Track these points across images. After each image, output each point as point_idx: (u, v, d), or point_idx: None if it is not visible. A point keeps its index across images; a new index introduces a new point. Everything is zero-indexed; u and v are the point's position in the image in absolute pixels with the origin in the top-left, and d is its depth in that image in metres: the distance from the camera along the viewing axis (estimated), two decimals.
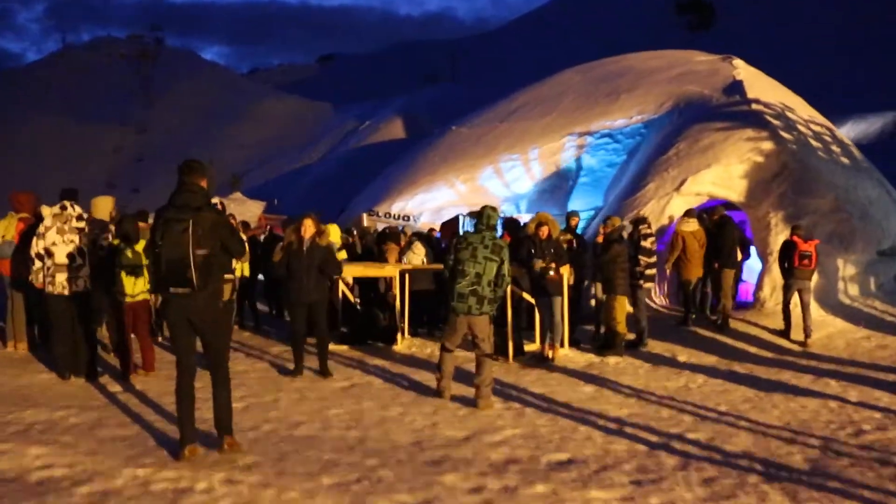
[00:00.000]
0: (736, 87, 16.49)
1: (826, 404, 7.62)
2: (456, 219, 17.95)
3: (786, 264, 11.27)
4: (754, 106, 15.25)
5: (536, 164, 18.79)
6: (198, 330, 5.44)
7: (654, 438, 6.30)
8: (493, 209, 7.64)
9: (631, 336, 10.65)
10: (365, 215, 20.13)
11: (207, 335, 5.47)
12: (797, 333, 11.19)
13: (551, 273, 9.53)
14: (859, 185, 15.19)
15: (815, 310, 12.84)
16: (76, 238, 7.98)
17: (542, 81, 23.35)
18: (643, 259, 10.71)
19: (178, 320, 5.40)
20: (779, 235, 13.36)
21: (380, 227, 18.35)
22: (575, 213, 11.88)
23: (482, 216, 7.55)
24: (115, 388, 7.69)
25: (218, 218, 5.42)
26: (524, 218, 17.53)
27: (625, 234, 10.96)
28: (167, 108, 65.85)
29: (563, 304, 9.93)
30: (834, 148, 16.07)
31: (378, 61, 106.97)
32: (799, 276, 11.12)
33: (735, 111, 15.30)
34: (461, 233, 12.34)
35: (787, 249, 11.27)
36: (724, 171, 14.08)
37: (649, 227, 11.07)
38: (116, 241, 8.21)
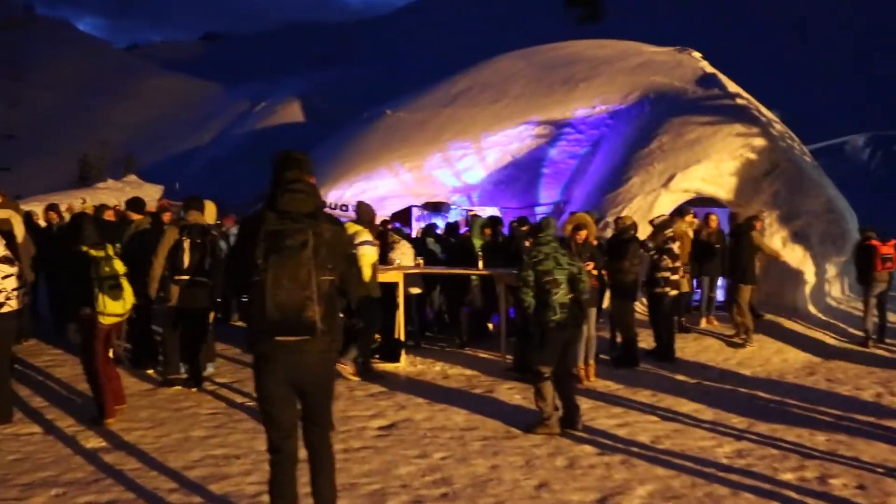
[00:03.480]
0: (711, 79, 15.76)
1: None
2: (408, 210, 16.42)
3: (864, 269, 10.85)
4: (739, 101, 14.50)
5: (490, 153, 17.46)
6: (304, 393, 3.75)
7: (808, 496, 5.15)
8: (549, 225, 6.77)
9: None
10: None
11: (315, 400, 3.78)
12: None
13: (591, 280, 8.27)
14: (828, 185, 14.78)
15: (815, 314, 12.34)
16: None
17: (479, 66, 22.07)
18: (671, 264, 9.61)
19: (282, 383, 3.66)
20: (773, 236, 12.68)
21: None
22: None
23: (547, 226, 6.67)
24: (90, 441, 5.74)
25: (339, 230, 3.79)
26: (487, 212, 16.25)
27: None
28: (40, 82, 60.14)
29: (595, 317, 8.73)
30: (797, 146, 15.61)
31: (266, 41, 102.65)
32: (880, 279, 10.71)
33: (718, 105, 14.49)
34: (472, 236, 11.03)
35: (866, 253, 10.75)
36: (714, 168, 13.22)
37: (673, 229, 9.97)
38: (86, 248, 6.21)
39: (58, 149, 50.74)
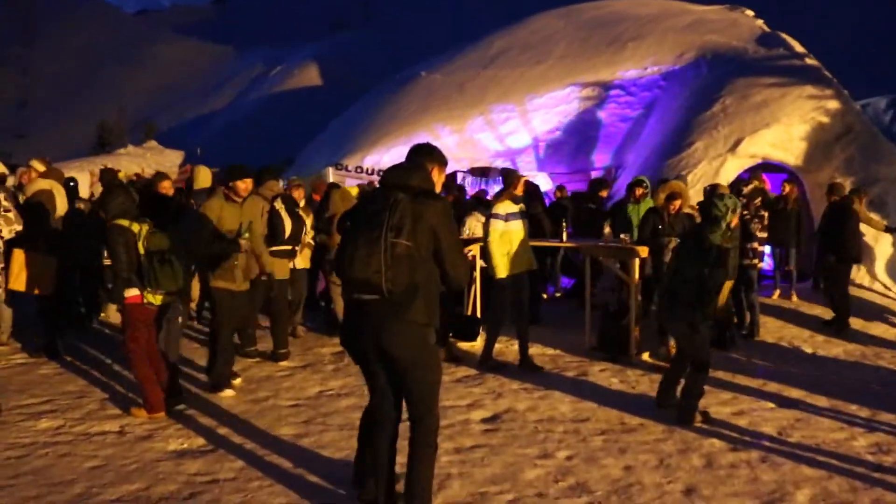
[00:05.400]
0: (774, 38, 14.92)
1: None
2: (453, 176, 15.73)
3: None
4: (808, 60, 13.68)
5: (535, 116, 16.71)
6: (395, 369, 3.75)
7: None
8: (725, 198, 5.93)
9: None
10: (331, 169, 17.53)
11: (404, 378, 3.76)
12: None
13: None
14: None
15: (893, 287, 11.70)
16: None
17: (516, 25, 21.24)
18: (761, 235, 8.99)
19: (366, 346, 3.73)
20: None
21: (349, 182, 15.97)
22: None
23: (711, 206, 5.85)
24: (171, 441, 5.16)
25: (429, 203, 3.65)
26: (537, 178, 15.58)
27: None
28: (52, 48, 59.14)
29: None
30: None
31: (278, 4, 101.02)
32: None
33: (785, 65, 13.69)
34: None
35: None
36: (784, 132, 12.49)
37: (763, 198, 9.33)
38: (124, 222, 5.52)
39: (72, 115, 50.10)
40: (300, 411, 5.80)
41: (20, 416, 5.57)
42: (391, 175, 3.78)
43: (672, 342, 7.83)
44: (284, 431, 5.32)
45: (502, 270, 7.13)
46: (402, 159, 13.89)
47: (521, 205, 7.39)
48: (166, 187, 7.68)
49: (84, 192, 13.81)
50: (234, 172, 6.25)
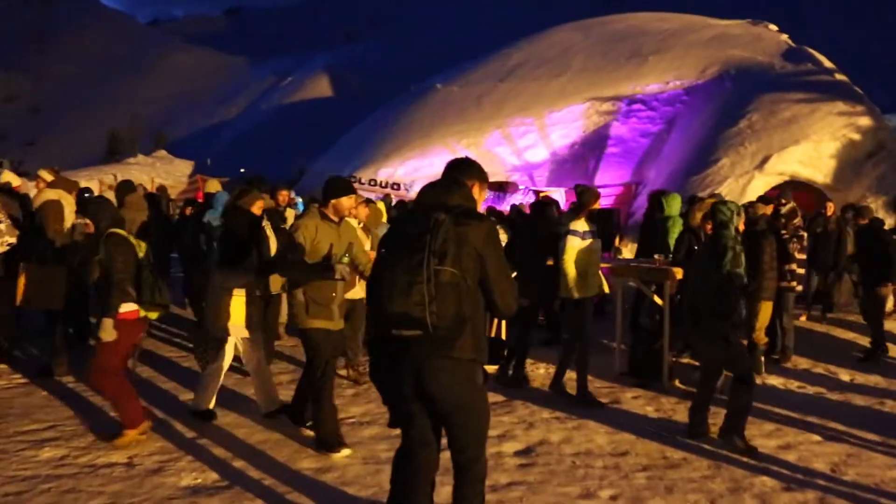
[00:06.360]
0: (801, 54, 14.59)
1: None
2: None
3: None
4: (838, 76, 13.34)
5: (554, 130, 16.41)
6: (438, 413, 3.31)
7: None
8: (727, 203, 5.92)
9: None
10: None
11: (450, 422, 3.33)
12: None
13: None
14: None
15: None
16: None
17: (532, 38, 20.98)
18: (799, 256, 8.63)
19: (404, 386, 3.28)
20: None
21: (365, 195, 15.67)
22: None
23: (716, 212, 5.75)
24: (184, 476, 4.81)
25: (474, 224, 3.25)
26: (554, 193, 15.25)
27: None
28: (65, 55, 59.38)
29: None
30: None
31: (290, 15, 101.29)
32: None
33: (814, 81, 13.34)
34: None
35: None
36: (813, 149, 12.15)
37: (802, 218, 8.98)
38: (121, 231, 5.25)
39: (83, 123, 50.11)
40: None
41: (21, 444, 5.23)
42: (428, 194, 3.43)
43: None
44: (305, 465, 4.95)
45: (581, 290, 6.78)
46: (418, 172, 13.56)
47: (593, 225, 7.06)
48: (260, 207, 6.37)
49: None
50: (338, 187, 5.28)
